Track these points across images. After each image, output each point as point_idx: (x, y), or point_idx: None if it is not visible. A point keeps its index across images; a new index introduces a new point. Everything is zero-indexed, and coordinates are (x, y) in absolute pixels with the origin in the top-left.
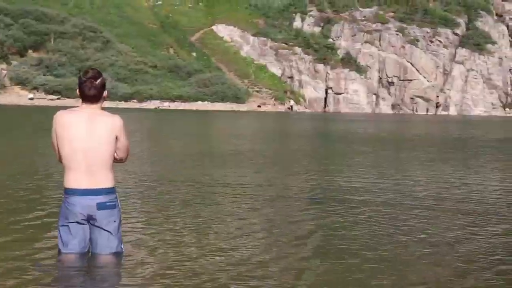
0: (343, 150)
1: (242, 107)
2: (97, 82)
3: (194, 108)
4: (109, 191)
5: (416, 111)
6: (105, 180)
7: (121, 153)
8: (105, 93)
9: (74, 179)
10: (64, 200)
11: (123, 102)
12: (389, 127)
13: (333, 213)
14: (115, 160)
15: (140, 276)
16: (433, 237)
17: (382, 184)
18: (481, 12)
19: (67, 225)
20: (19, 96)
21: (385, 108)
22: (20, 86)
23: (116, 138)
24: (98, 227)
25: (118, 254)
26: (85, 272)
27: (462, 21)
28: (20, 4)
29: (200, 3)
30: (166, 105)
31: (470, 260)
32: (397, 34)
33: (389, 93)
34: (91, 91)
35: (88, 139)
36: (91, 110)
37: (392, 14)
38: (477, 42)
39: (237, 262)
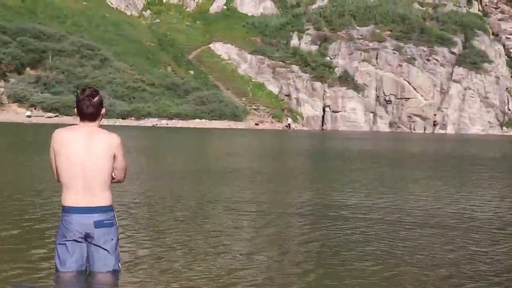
0: (340, 167)
1: (240, 125)
2: (94, 100)
3: (192, 126)
4: (107, 209)
5: (414, 130)
6: (102, 198)
7: (118, 173)
8: (103, 111)
9: (72, 197)
10: (62, 218)
11: (120, 119)
12: (387, 145)
13: (329, 230)
14: (113, 181)
15: None
16: (434, 255)
17: (379, 201)
18: (477, 31)
19: (65, 243)
20: (17, 114)
21: (382, 126)
22: (17, 104)
23: (114, 156)
24: (96, 245)
25: (115, 273)
26: None
27: (458, 40)
28: (18, 22)
29: (198, 22)
30: (163, 122)
31: (471, 279)
32: (394, 53)
33: (387, 112)
34: (89, 109)
35: (86, 157)
36: (89, 128)
37: (388, 32)
38: (474, 61)
39: (238, 281)
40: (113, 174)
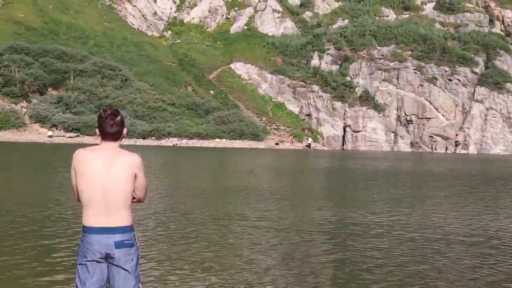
0: (360, 186)
1: (260, 145)
2: (118, 119)
3: (212, 146)
4: (127, 229)
5: (435, 150)
6: (123, 218)
7: (139, 192)
8: (124, 131)
9: (93, 217)
10: (82, 238)
11: (141, 139)
12: (408, 165)
13: (349, 246)
14: (133, 200)
15: None
16: (461, 273)
17: (398, 218)
18: (499, 51)
19: (85, 264)
20: (39, 134)
21: (403, 146)
22: (39, 124)
23: (135, 176)
24: (116, 265)
25: None
26: None
27: (480, 59)
28: (41, 43)
29: (218, 42)
30: (184, 142)
31: None
32: (415, 73)
33: (408, 131)
34: (112, 128)
35: (107, 177)
36: (110, 148)
37: (409, 52)
38: (496, 80)
39: None
40: (133, 194)
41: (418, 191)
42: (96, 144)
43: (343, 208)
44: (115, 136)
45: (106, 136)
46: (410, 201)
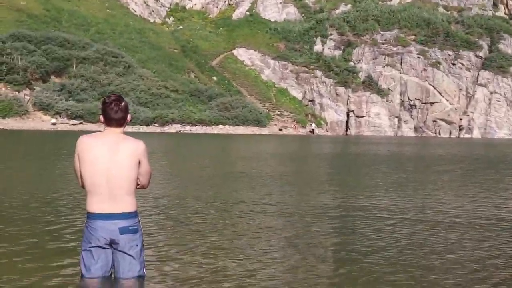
0: (364, 170)
1: (264, 131)
2: (122, 105)
3: (215, 132)
4: (132, 215)
5: (439, 134)
6: (127, 205)
7: (143, 178)
8: (128, 117)
9: (97, 204)
10: (87, 224)
11: (144, 126)
12: (412, 150)
13: (351, 229)
14: (137, 187)
15: None
16: (461, 256)
17: (404, 202)
18: (503, 34)
19: (90, 250)
20: (42, 122)
21: (407, 131)
22: (42, 112)
23: (139, 162)
24: (121, 251)
25: (140, 278)
26: None
27: (484, 43)
28: (43, 30)
29: (221, 28)
30: (187, 129)
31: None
32: (419, 57)
33: (411, 116)
34: (117, 114)
35: (110, 163)
36: (114, 134)
37: (413, 37)
38: (500, 64)
39: (262, 282)
40: (137, 180)
41: (420, 175)
42: (100, 131)
43: (346, 192)
44: (119, 122)
45: (111, 122)
46: (413, 185)
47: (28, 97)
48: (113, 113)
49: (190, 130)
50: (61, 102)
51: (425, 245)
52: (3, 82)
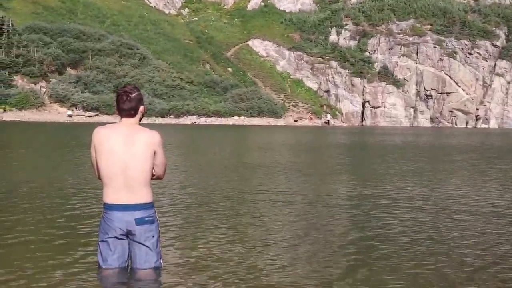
0: (377, 160)
1: (279, 122)
2: (132, 96)
3: (231, 123)
4: (148, 206)
5: (456, 124)
6: (143, 195)
7: (158, 169)
8: (141, 108)
9: (113, 195)
10: (103, 215)
11: (160, 118)
12: (428, 140)
13: (366, 218)
14: (153, 177)
15: None
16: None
17: (418, 191)
18: None
19: (107, 241)
20: (58, 113)
21: (423, 121)
22: (59, 104)
23: (154, 153)
24: (137, 242)
25: (157, 269)
26: (124, 286)
27: (501, 32)
28: (59, 22)
29: (235, 19)
30: (202, 120)
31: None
32: (435, 47)
33: (427, 106)
34: (126, 104)
35: (126, 154)
36: (129, 125)
37: (429, 26)
38: None
39: (279, 271)
40: (153, 171)
41: (436, 164)
42: (115, 122)
43: (361, 181)
44: (129, 112)
45: (121, 112)
46: (427, 174)
47: (44, 89)
48: (122, 103)
49: (206, 122)
50: (77, 94)
51: (441, 231)
52: (19, 74)
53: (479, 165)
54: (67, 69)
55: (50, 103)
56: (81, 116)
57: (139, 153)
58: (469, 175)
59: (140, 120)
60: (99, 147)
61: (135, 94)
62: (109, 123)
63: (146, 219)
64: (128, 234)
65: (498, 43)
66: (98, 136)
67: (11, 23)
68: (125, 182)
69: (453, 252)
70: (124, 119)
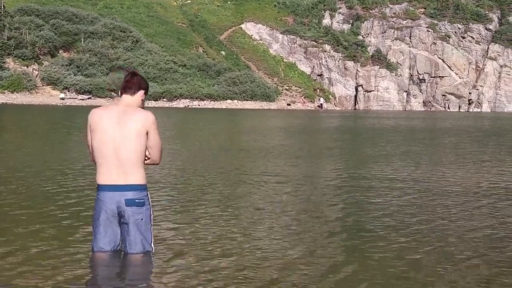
0: (368, 143)
1: (272, 106)
2: (138, 76)
3: (224, 107)
4: (139, 187)
5: (448, 108)
6: (135, 177)
7: (153, 152)
8: (141, 92)
9: (105, 175)
10: (96, 196)
11: (152, 101)
12: (419, 123)
13: (363, 202)
14: (148, 161)
15: (168, 275)
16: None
17: (413, 173)
18: None
19: (99, 222)
20: (51, 96)
21: (416, 105)
22: (51, 86)
23: (147, 133)
24: (126, 224)
25: (148, 253)
26: (113, 270)
27: (495, 16)
28: (51, 5)
29: (229, 2)
30: (195, 103)
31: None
32: (428, 31)
33: (420, 90)
34: (128, 81)
35: (118, 134)
36: (125, 106)
37: (422, 10)
38: (510, 37)
39: (272, 257)
40: (147, 154)
41: (425, 147)
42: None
43: (352, 163)
44: (129, 89)
45: (123, 88)
46: (416, 156)
47: (36, 72)
48: (125, 79)
49: (199, 105)
50: (70, 77)
51: (432, 211)
52: (11, 56)
53: (465, 147)
54: (60, 51)
55: (43, 85)
56: (74, 99)
57: (131, 133)
58: (457, 156)
59: (139, 106)
60: (94, 127)
61: (140, 77)
62: (102, 106)
63: (136, 200)
64: (119, 216)
65: (491, 27)
66: (93, 117)
67: (3, 5)
68: (117, 162)
69: (448, 233)
70: (124, 96)
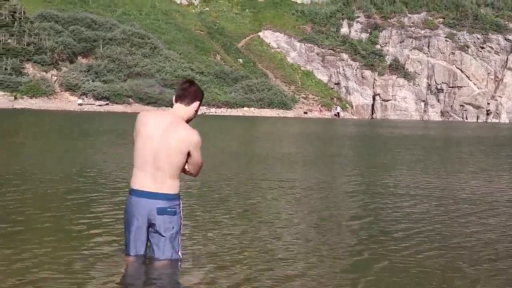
0: (383, 151)
1: (289, 114)
2: (195, 87)
3: (241, 114)
4: (172, 197)
5: (466, 119)
6: (169, 186)
7: (192, 168)
8: (196, 104)
9: (140, 181)
10: (127, 201)
11: (170, 108)
12: (435, 133)
13: (371, 205)
14: (187, 173)
15: (193, 283)
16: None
17: (424, 180)
18: None
19: (129, 228)
20: (69, 102)
21: (433, 115)
22: (69, 92)
23: (189, 153)
24: (157, 232)
25: (174, 261)
26: (139, 276)
27: None
28: (70, 11)
29: (247, 10)
30: (212, 111)
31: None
32: (447, 40)
33: (438, 100)
34: (185, 89)
35: (160, 144)
36: (173, 116)
37: (441, 19)
38: None
39: (290, 266)
40: (186, 167)
41: (441, 155)
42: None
43: (368, 170)
44: (184, 97)
45: (176, 96)
46: (432, 164)
47: (55, 78)
48: (181, 87)
49: (215, 112)
50: (88, 83)
51: (445, 221)
52: (31, 62)
53: (482, 156)
54: (78, 57)
55: (61, 91)
56: (92, 105)
57: (171, 147)
58: (473, 165)
59: (189, 120)
60: (139, 129)
61: (198, 87)
62: (119, 114)
63: (168, 209)
64: (149, 223)
65: (510, 37)
66: (141, 119)
67: (23, 11)
68: (154, 170)
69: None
70: (177, 105)
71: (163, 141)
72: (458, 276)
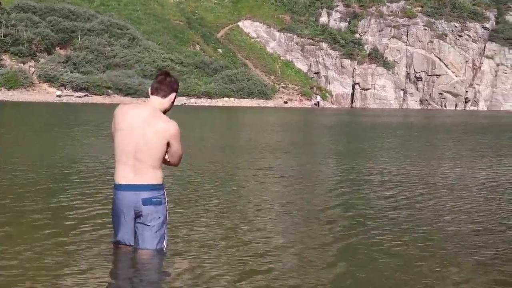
0: (362, 140)
1: (269, 103)
2: (171, 78)
3: (220, 104)
4: (156, 187)
5: (445, 107)
6: (152, 177)
7: (172, 158)
8: (172, 95)
9: (122, 174)
10: (114, 195)
11: (146, 100)
12: (413, 121)
13: (351, 193)
14: (167, 163)
15: (178, 273)
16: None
17: (400, 167)
18: (511, 5)
19: (117, 220)
20: (47, 94)
21: (412, 103)
22: (48, 84)
23: (169, 144)
24: (142, 223)
25: (160, 251)
26: (125, 267)
27: (491, 14)
28: (48, 2)
29: (226, 0)
30: (192, 101)
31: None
32: (425, 29)
33: (417, 89)
34: (160, 82)
35: (140, 136)
36: (150, 108)
37: (419, 8)
38: (507, 36)
39: (273, 256)
40: (166, 157)
41: (418, 143)
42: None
43: (346, 159)
44: (160, 90)
45: (152, 88)
46: (410, 153)
47: (33, 69)
48: (157, 80)
49: (195, 103)
50: (66, 74)
51: (429, 206)
52: (8, 53)
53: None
54: (56, 49)
55: (39, 83)
56: (70, 97)
57: (151, 139)
58: (448, 151)
59: (166, 111)
60: (118, 122)
61: (174, 79)
62: (99, 104)
63: (153, 199)
64: (136, 216)
65: (488, 25)
66: (119, 114)
67: (0, 2)
68: (135, 163)
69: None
70: (153, 97)
71: (142, 134)
72: (439, 262)
